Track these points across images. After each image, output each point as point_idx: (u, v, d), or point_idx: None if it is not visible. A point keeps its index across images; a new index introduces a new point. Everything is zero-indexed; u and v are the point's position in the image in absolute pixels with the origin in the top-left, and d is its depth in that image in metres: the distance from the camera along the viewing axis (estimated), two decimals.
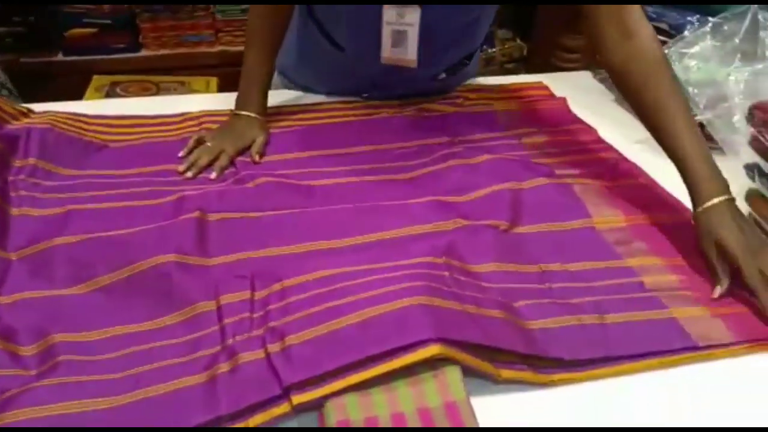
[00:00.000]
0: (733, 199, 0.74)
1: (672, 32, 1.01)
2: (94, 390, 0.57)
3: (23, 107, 0.99)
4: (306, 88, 1.14)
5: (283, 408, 0.55)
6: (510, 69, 2.38)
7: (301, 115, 1.05)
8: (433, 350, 0.55)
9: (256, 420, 0.54)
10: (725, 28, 0.96)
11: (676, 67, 0.96)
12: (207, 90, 2.04)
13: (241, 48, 1.02)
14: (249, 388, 0.55)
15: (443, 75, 1.08)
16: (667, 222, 0.82)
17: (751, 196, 0.82)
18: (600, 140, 1.00)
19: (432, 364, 0.56)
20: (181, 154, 0.92)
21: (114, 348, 0.62)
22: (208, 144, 0.93)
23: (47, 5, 2.04)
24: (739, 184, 0.84)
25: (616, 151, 0.97)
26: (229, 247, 0.74)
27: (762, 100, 0.82)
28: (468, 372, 0.58)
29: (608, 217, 0.82)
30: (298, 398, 0.54)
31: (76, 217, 0.78)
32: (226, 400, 0.55)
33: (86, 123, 0.98)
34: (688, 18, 1.00)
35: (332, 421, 0.53)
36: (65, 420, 0.54)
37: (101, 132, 0.97)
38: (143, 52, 2.16)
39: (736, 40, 0.96)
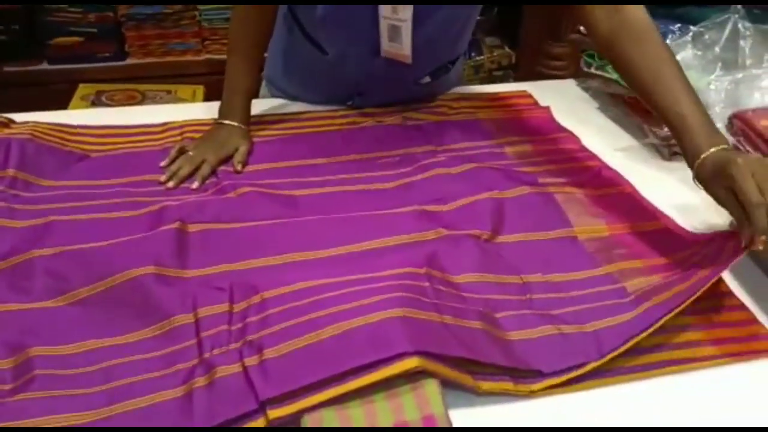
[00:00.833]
0: (734, 149, 0.71)
1: None
2: (70, 405, 0.57)
3: (3, 117, 0.98)
4: (293, 97, 1.13)
5: (259, 423, 0.54)
6: (498, 76, 2.39)
7: (284, 125, 1.04)
8: (411, 363, 0.54)
9: None
10: (706, 37, 0.97)
11: None
12: (193, 98, 2.03)
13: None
14: (225, 402, 0.55)
15: (427, 79, 1.08)
16: (648, 229, 0.82)
17: None
18: (583, 149, 1.00)
19: (410, 377, 0.56)
20: (162, 164, 0.91)
21: (90, 362, 0.61)
22: (190, 153, 0.92)
23: (32, 14, 2.03)
24: None
25: (599, 159, 0.97)
26: (208, 259, 0.74)
27: (742, 109, 0.82)
28: (447, 384, 0.58)
29: (590, 227, 0.82)
30: (274, 413, 0.54)
31: (56, 229, 0.77)
32: (202, 415, 0.54)
33: (68, 133, 0.97)
34: (670, 27, 1.00)
35: None
36: None
37: (83, 142, 0.96)
38: (129, 61, 2.15)
39: (717, 49, 0.97)
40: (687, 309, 0.67)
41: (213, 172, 0.91)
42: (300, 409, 0.54)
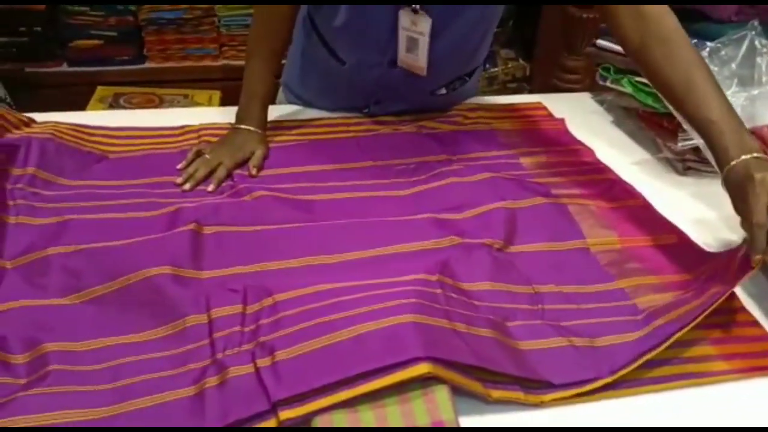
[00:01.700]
0: (766, 159, 0.70)
1: None
2: (82, 401, 0.57)
3: (25, 117, 0.99)
4: (310, 104, 1.14)
5: (270, 423, 0.54)
6: (513, 88, 2.40)
7: (300, 130, 1.05)
8: (422, 369, 0.55)
9: None
10: (723, 53, 0.97)
11: None
12: (209, 103, 2.06)
13: (244, 62, 1.03)
14: (236, 403, 0.55)
15: (443, 90, 1.09)
16: (662, 243, 0.82)
17: None
18: (597, 161, 1.01)
19: (421, 382, 0.56)
20: (179, 166, 0.93)
21: (103, 359, 0.62)
22: (207, 156, 0.93)
23: (54, 16, 2.06)
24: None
25: (613, 172, 0.97)
26: (223, 261, 0.74)
27: (758, 125, 0.82)
28: (458, 391, 0.58)
29: (603, 239, 0.82)
30: (285, 414, 0.54)
31: (73, 228, 0.78)
32: (213, 414, 0.55)
33: (87, 134, 0.98)
34: None
35: None
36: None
37: (101, 143, 0.98)
38: (147, 64, 2.18)
39: (734, 66, 0.96)
40: (699, 324, 0.67)
41: (229, 176, 0.92)
42: (311, 411, 0.54)
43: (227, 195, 0.87)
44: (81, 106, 1.94)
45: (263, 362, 0.58)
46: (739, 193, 0.69)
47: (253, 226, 0.80)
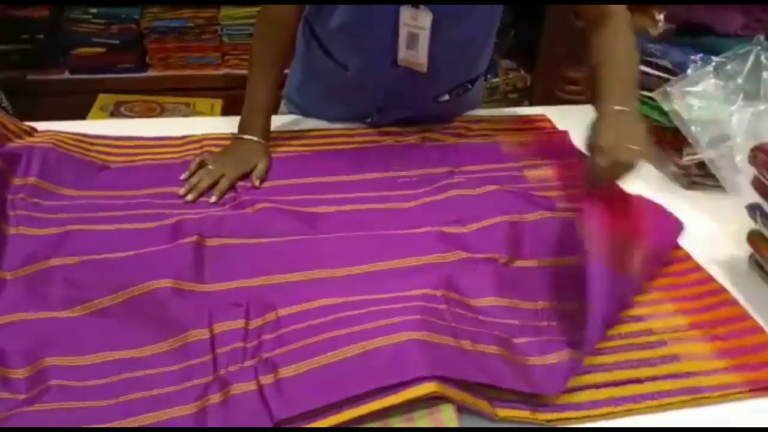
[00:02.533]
0: (629, 112, 0.84)
1: (675, 70, 1.01)
2: (84, 417, 0.57)
3: (26, 126, 0.99)
4: (312, 114, 1.14)
5: None
6: (513, 99, 2.39)
7: (303, 141, 1.05)
8: (428, 388, 0.54)
9: None
10: (728, 67, 0.97)
11: (679, 105, 0.96)
12: (211, 112, 2.05)
13: (246, 71, 1.02)
14: (238, 421, 0.55)
15: (446, 97, 1.09)
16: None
17: (753, 237, 0.82)
18: None
19: (427, 401, 0.55)
20: (182, 176, 0.92)
21: (106, 374, 0.61)
22: (210, 167, 0.92)
23: (57, 24, 2.06)
24: (741, 224, 0.83)
25: (617, 185, 0.96)
26: (225, 274, 0.73)
27: (765, 142, 0.82)
28: (464, 410, 0.57)
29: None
30: None
31: (74, 238, 0.78)
32: None
33: (89, 143, 0.98)
34: (691, 57, 1.00)
35: None
36: None
37: (103, 152, 0.97)
38: (149, 73, 2.17)
39: (739, 80, 0.96)
40: (705, 334, 0.68)
41: (232, 187, 0.91)
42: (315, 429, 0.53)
43: (230, 207, 0.87)
44: (82, 113, 1.93)
45: (266, 379, 0.57)
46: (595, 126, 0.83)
47: (256, 238, 0.79)
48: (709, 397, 0.63)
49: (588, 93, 1.98)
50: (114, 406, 0.58)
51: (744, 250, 0.84)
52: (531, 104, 2.17)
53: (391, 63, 1.00)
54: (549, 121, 1.17)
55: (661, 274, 0.79)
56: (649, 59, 1.08)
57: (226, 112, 2.00)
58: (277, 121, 1.07)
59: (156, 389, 0.59)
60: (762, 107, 0.94)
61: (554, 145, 1.08)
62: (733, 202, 0.88)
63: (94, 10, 2.04)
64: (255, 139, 0.98)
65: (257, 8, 1.03)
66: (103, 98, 2.05)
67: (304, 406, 0.54)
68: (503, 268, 0.77)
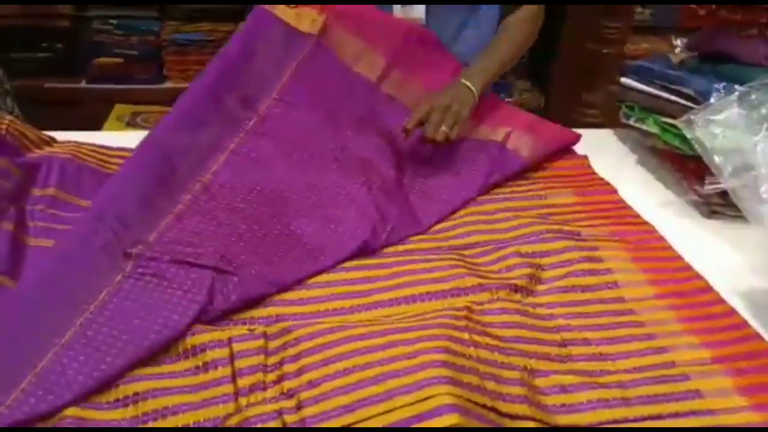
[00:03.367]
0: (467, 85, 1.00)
1: (698, 98, 1.00)
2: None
3: (46, 135, 0.99)
4: None
5: None
6: None
7: None
8: (451, 419, 0.53)
9: None
10: (752, 97, 0.95)
11: (702, 133, 0.95)
12: None
13: None
14: None
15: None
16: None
17: None
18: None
19: None
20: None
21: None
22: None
23: (77, 34, 2.08)
24: (764, 256, 0.82)
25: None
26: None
27: None
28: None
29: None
30: None
31: None
32: None
33: (108, 155, 0.98)
34: (714, 85, 0.99)
35: None
36: None
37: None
38: (167, 84, 2.19)
39: (763, 110, 0.95)
40: (731, 370, 0.67)
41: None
42: None
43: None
44: (98, 123, 1.95)
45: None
46: None
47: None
48: (734, 428, 0.62)
49: (604, 117, 1.98)
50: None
51: (766, 282, 0.83)
52: None
53: None
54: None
55: (684, 306, 0.77)
56: (671, 86, 1.07)
57: None
58: None
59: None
60: None
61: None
62: (755, 233, 0.86)
63: (115, 21, 2.07)
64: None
65: None
66: (119, 109, 2.06)
67: None
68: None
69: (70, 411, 0.58)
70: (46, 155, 0.93)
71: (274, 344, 0.65)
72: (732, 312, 0.77)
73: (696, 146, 0.95)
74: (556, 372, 0.66)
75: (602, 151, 1.16)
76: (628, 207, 0.97)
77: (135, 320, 0.65)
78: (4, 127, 0.92)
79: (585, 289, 0.78)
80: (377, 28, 1.04)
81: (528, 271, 0.79)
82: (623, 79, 1.20)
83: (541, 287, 0.78)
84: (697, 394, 0.65)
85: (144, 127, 1.98)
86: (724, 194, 0.96)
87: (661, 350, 0.70)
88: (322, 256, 0.79)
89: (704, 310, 0.77)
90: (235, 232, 0.78)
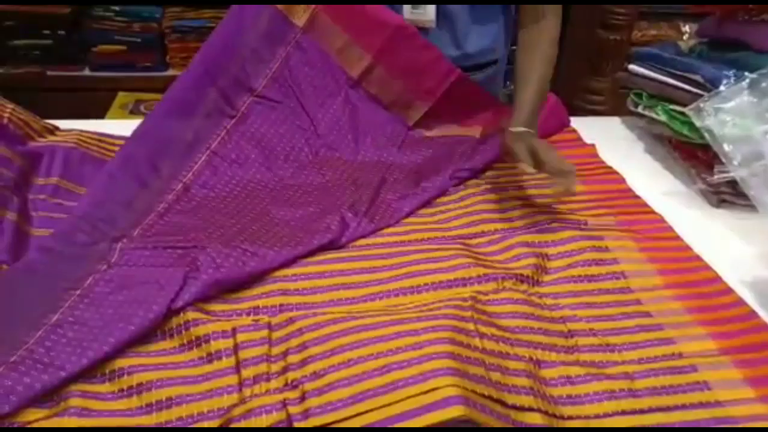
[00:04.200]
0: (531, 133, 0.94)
1: (707, 86, 0.99)
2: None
3: (49, 124, 0.99)
4: None
5: None
6: None
7: None
8: (456, 411, 0.52)
9: None
10: (763, 84, 0.94)
11: (711, 121, 0.94)
12: None
13: None
14: None
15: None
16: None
17: None
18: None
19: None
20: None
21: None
22: None
23: (79, 21, 2.06)
24: None
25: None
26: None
27: None
28: None
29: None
30: None
31: None
32: None
33: (111, 144, 0.97)
34: (725, 72, 0.98)
35: None
36: None
37: None
38: (170, 72, 2.17)
39: None
40: (738, 361, 0.66)
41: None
42: None
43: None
44: (102, 111, 1.94)
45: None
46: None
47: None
48: (738, 428, 0.61)
49: (610, 104, 1.96)
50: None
51: None
52: None
53: None
54: (576, 132, 1.15)
55: (692, 296, 0.77)
56: (680, 73, 1.06)
57: None
58: None
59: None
60: None
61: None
62: (764, 222, 0.85)
63: (116, 8, 2.05)
64: None
65: None
66: (122, 96, 2.05)
67: None
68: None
69: (75, 401, 0.58)
70: (49, 144, 0.93)
71: (278, 334, 0.65)
72: (740, 303, 0.76)
73: (705, 134, 0.94)
74: (562, 363, 0.65)
75: (609, 139, 1.15)
76: (635, 196, 0.96)
77: (121, 299, 0.66)
78: (6, 115, 0.91)
79: (591, 279, 0.77)
80: (365, 24, 1.01)
81: (534, 260, 0.78)
82: (631, 66, 1.18)
83: (547, 277, 0.78)
84: (704, 385, 0.65)
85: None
86: (733, 183, 0.94)
87: (668, 341, 0.70)
88: (300, 246, 0.78)
89: (712, 301, 0.76)
90: (215, 224, 0.81)
